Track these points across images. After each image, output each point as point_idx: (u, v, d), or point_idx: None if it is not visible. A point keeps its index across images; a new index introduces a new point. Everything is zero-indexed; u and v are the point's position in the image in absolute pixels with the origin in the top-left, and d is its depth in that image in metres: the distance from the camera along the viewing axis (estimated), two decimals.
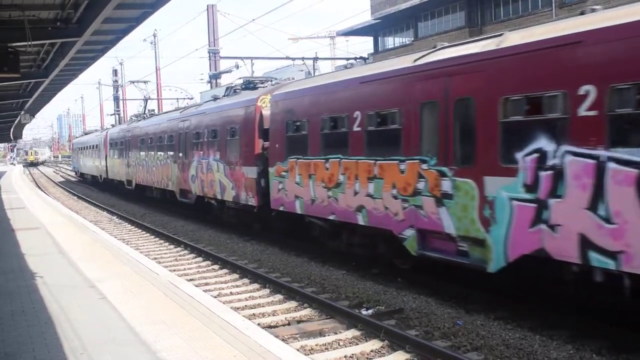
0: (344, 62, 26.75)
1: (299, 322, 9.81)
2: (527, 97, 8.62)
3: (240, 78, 21.00)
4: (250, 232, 18.49)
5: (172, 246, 17.67)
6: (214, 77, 42.13)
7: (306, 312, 10.35)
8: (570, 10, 30.84)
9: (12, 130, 56.00)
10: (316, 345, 8.64)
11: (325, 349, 8.53)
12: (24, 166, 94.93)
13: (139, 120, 32.18)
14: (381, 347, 8.49)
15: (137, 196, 31.86)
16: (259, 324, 8.94)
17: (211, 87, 43.47)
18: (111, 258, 12.62)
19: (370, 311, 10.07)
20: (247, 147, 17.07)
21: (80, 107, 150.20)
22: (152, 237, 19.65)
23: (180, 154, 22.87)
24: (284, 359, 6.38)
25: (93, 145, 43.91)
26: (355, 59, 26.27)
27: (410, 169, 10.73)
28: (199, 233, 19.67)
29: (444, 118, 10.05)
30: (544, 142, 8.30)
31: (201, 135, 20.70)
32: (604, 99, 7.49)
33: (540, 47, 8.43)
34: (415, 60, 10.98)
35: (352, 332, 9.12)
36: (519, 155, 8.65)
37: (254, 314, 10.27)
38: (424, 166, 10.40)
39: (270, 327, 9.39)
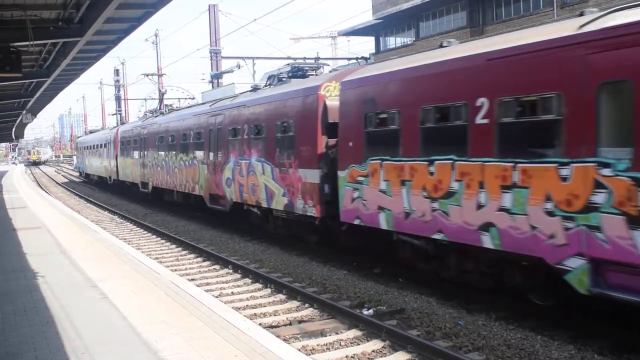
0: (346, 62, 26.64)
1: (300, 322, 9.81)
2: None
3: (288, 64, 17.78)
4: (251, 231, 18.49)
5: (173, 246, 17.67)
6: (216, 77, 42.10)
7: (307, 312, 10.35)
8: (572, 10, 30.81)
9: (13, 129, 56.06)
10: (317, 345, 8.64)
11: (327, 349, 8.53)
12: (25, 165, 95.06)
13: (156, 116, 29.05)
14: (382, 347, 8.48)
15: (141, 197, 30.46)
16: (260, 324, 8.95)
17: (212, 87, 43.48)
18: (112, 258, 12.62)
19: (371, 311, 10.06)
20: (306, 145, 14.19)
21: (82, 106, 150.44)
22: (154, 237, 19.66)
23: (211, 154, 20.01)
24: (285, 358, 6.38)
25: (101, 144, 40.83)
26: (357, 59, 26.22)
27: (579, 174, 7.97)
28: (201, 233, 19.67)
29: None
30: None
31: (239, 132, 17.84)
32: None
33: None
34: (581, 27, 8.23)
35: (354, 332, 9.12)
36: None
37: (255, 314, 10.27)
38: (606, 171, 7.64)
39: (271, 327, 9.39)
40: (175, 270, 13.63)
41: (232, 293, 11.90)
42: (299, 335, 9.10)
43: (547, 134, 8.54)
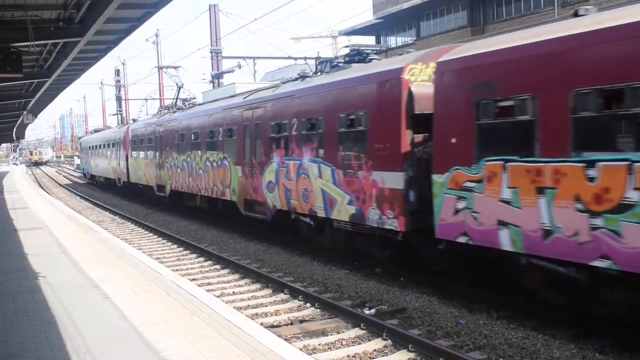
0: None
1: (301, 321, 9.81)
2: None
3: (346, 46, 15.06)
4: (253, 231, 18.49)
5: (174, 246, 17.67)
6: (216, 77, 42.10)
7: (309, 311, 10.35)
8: (572, 9, 30.77)
9: (14, 130, 56.07)
10: (319, 344, 8.64)
11: (328, 348, 8.53)
12: (26, 166, 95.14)
13: (174, 112, 26.14)
14: (384, 346, 8.48)
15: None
16: (261, 324, 8.95)
17: (213, 86, 43.48)
18: (114, 258, 12.63)
19: (373, 310, 10.06)
20: (384, 142, 11.58)
21: (83, 107, 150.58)
22: (155, 237, 19.67)
23: (248, 154, 17.41)
24: (286, 358, 6.38)
25: (108, 144, 37.75)
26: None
27: None
28: (202, 233, 19.68)
29: None
30: None
31: (285, 128, 15.14)
32: None
33: None
34: None
35: (355, 332, 9.12)
36: None
37: (256, 314, 10.27)
38: None
39: (272, 326, 9.39)
40: (177, 270, 13.63)
41: (234, 293, 11.90)
42: (300, 335, 9.10)
43: None
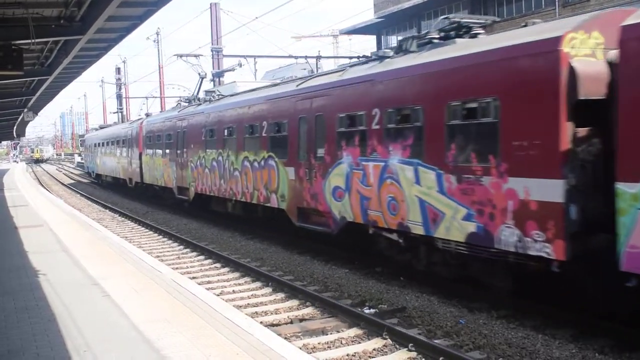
0: (347, 60, 26.44)
1: (301, 320, 9.82)
2: None
3: (445, 17, 11.88)
4: (253, 230, 18.48)
5: (175, 244, 17.68)
6: (217, 76, 42.16)
7: (309, 310, 10.36)
8: (574, 9, 30.82)
9: (15, 128, 56.11)
10: (318, 343, 8.64)
11: (328, 347, 8.54)
12: (27, 164, 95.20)
13: (198, 104, 23.06)
14: (383, 345, 8.49)
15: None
16: (261, 322, 8.96)
17: (214, 85, 43.51)
18: (114, 256, 12.64)
19: (372, 310, 10.07)
20: (530, 138, 8.77)
21: (83, 105, 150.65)
22: (155, 235, 19.68)
23: (304, 152, 14.48)
24: (286, 356, 6.39)
25: (118, 140, 34.96)
26: (358, 57, 26.30)
27: None
28: (202, 231, 19.68)
29: None
30: None
31: (361, 120, 12.25)
32: None
33: None
34: None
35: (355, 331, 9.12)
36: None
37: (256, 312, 10.28)
38: None
39: (272, 325, 9.39)
40: (177, 268, 13.65)
41: (234, 291, 11.91)
42: (300, 334, 9.11)
43: None
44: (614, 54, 8.17)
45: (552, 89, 8.46)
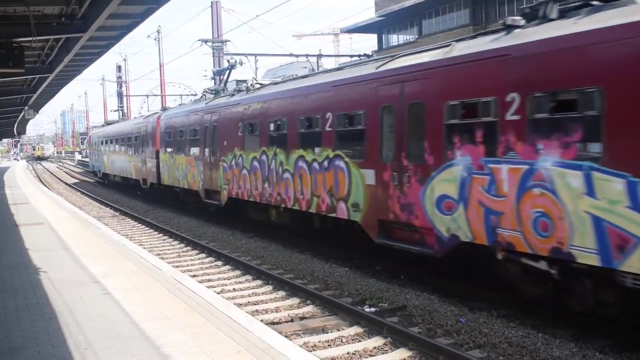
0: (348, 59, 26.13)
1: (301, 318, 9.83)
2: None
3: None
4: (253, 228, 18.47)
5: (175, 242, 17.69)
6: (218, 74, 42.10)
7: (309, 308, 10.37)
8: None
9: (15, 125, 56.11)
10: (319, 341, 8.65)
11: (328, 345, 8.54)
12: (27, 162, 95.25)
13: (231, 95, 19.75)
14: (384, 344, 8.50)
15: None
16: (262, 320, 8.95)
17: (214, 83, 43.52)
18: (115, 254, 12.64)
19: (373, 308, 10.08)
20: None
21: (84, 103, 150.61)
22: (156, 233, 19.68)
23: (387, 152, 11.68)
24: (287, 355, 6.39)
25: (129, 137, 32.17)
26: (359, 56, 26.06)
27: None
28: (202, 229, 19.69)
29: None
30: None
31: (485, 109, 9.44)
32: None
33: None
34: None
35: (355, 329, 9.13)
36: None
37: (257, 310, 10.29)
38: None
39: (273, 323, 9.40)
40: (177, 266, 13.66)
41: (234, 289, 11.92)
42: (300, 332, 9.12)
43: None
44: None
45: None
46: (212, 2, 45.19)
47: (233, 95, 19.49)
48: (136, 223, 22.23)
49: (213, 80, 44.28)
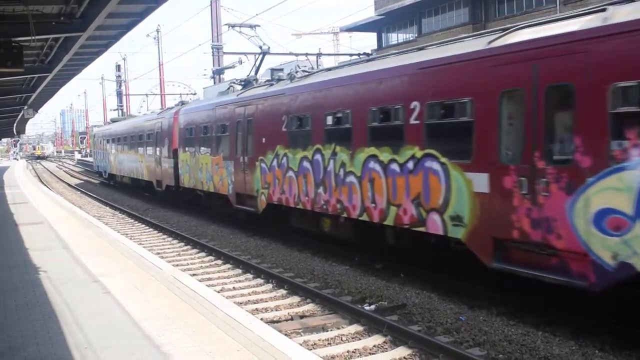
0: (348, 57, 25.86)
1: (301, 317, 9.84)
2: None
3: None
4: (253, 227, 18.48)
5: (175, 241, 17.69)
6: (218, 73, 42.12)
7: (309, 307, 10.37)
8: (574, 7, 30.76)
9: (15, 125, 56.07)
10: (319, 340, 8.65)
11: (328, 344, 8.55)
12: (27, 161, 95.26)
13: (270, 84, 17.09)
14: (384, 342, 8.50)
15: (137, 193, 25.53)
16: (262, 319, 8.95)
17: (214, 82, 43.50)
18: (114, 253, 12.64)
19: (373, 306, 10.08)
20: None
21: (84, 102, 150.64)
22: (155, 232, 19.68)
23: (506, 151, 9.15)
24: (287, 353, 6.39)
25: (141, 135, 29.64)
26: (359, 54, 25.93)
27: None
28: (202, 228, 19.69)
29: None
30: None
31: None
32: None
33: None
34: None
35: (355, 328, 9.14)
36: None
37: (257, 309, 10.29)
38: None
39: (273, 322, 9.41)
40: (177, 265, 13.66)
41: (234, 288, 11.92)
42: (300, 330, 9.13)
43: None
44: None
45: None
46: (211, 1, 45.19)
47: (272, 84, 16.88)
48: (136, 222, 22.23)
49: (213, 80, 44.31)
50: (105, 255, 12.31)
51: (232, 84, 21.88)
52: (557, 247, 8.28)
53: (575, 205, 7.99)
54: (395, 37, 53.46)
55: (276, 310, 10.29)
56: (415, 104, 10.76)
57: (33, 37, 13.05)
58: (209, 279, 12.62)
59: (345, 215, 12.88)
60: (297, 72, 16.32)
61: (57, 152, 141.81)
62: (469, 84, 9.70)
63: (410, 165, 10.84)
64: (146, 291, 9.22)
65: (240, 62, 35.46)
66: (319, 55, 29.29)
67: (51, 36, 15.55)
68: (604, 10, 8.26)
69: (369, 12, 53.25)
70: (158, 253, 15.21)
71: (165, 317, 7.78)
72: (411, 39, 49.35)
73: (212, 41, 44.12)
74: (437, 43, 11.76)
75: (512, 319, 9.24)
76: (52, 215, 19.52)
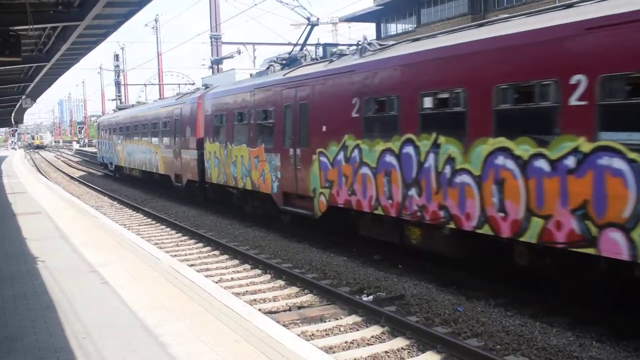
0: (347, 48, 25.28)
1: (299, 307, 9.85)
2: None
3: None
4: (251, 218, 18.47)
5: (173, 232, 17.69)
6: (216, 63, 41.97)
7: (307, 298, 10.38)
8: None
9: (13, 114, 55.86)
10: (317, 330, 8.67)
11: (326, 334, 8.56)
12: (25, 151, 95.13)
13: (330, 61, 14.07)
14: (382, 333, 8.52)
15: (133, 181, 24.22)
16: (260, 310, 8.96)
17: (213, 72, 43.35)
18: (113, 243, 12.64)
19: (371, 297, 10.09)
20: None
21: (82, 92, 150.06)
22: (154, 222, 19.67)
23: None
24: (284, 344, 6.40)
25: (155, 123, 26.53)
26: (357, 44, 25.71)
27: None
28: (200, 219, 19.68)
29: None
30: None
31: None
32: None
33: None
34: None
35: (353, 318, 9.15)
36: None
37: (255, 300, 10.30)
38: None
39: (271, 312, 9.42)
40: (175, 255, 13.66)
41: (232, 279, 11.93)
42: (298, 321, 9.14)
43: None
44: None
45: None
46: None
47: (332, 61, 13.91)
48: (134, 212, 22.22)
49: (211, 70, 44.17)
50: (104, 246, 12.30)
51: (271, 64, 18.09)
52: None
53: None
54: (394, 28, 53.30)
55: (274, 301, 10.30)
56: (578, 78, 7.79)
57: (31, 26, 12.98)
58: (207, 270, 12.62)
59: (452, 225, 10.02)
60: (368, 43, 12.99)
61: (55, 142, 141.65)
62: None
63: (571, 162, 7.93)
64: (144, 281, 9.22)
65: (239, 52, 35.35)
66: (317, 45, 29.21)
67: (49, 25, 15.47)
68: None
69: (368, 3, 53.08)
70: (156, 243, 15.22)
71: (163, 308, 7.78)
72: (410, 29, 49.20)
73: (211, 31, 43.94)
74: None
75: (510, 309, 9.26)
76: (50, 205, 19.50)
